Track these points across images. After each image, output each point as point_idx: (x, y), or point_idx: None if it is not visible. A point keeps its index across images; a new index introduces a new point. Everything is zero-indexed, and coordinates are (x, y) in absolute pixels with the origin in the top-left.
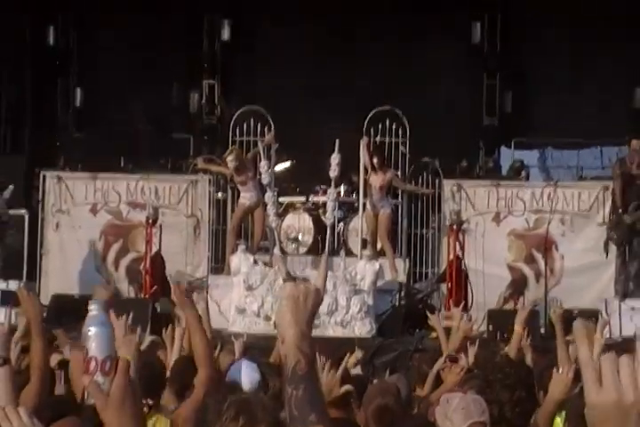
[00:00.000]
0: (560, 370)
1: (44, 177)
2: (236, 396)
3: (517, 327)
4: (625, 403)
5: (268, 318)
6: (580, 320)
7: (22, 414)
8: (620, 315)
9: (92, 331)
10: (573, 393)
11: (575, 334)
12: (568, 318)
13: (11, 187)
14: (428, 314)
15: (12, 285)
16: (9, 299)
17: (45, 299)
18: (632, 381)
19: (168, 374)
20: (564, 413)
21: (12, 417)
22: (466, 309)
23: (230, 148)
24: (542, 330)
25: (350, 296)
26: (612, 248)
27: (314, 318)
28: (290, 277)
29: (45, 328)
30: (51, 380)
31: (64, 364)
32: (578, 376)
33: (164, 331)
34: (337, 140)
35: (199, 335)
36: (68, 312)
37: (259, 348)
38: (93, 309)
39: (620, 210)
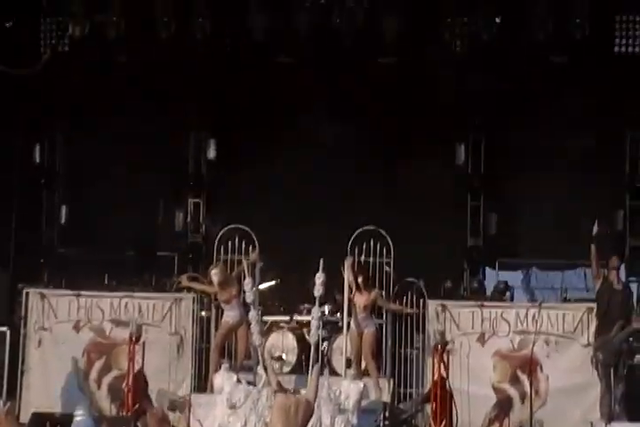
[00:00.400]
0: None
1: (27, 294)
2: None
3: None
4: None
5: None
6: None
7: None
8: None
9: None
10: None
11: None
12: None
13: None
14: None
15: None
16: None
17: (26, 416)
18: None
19: None
20: None
21: None
22: None
23: (215, 262)
24: None
25: (334, 415)
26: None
27: None
28: (281, 389)
29: None
30: None
31: None
32: None
33: None
34: (321, 260)
35: None
36: None
37: None
38: (79, 414)
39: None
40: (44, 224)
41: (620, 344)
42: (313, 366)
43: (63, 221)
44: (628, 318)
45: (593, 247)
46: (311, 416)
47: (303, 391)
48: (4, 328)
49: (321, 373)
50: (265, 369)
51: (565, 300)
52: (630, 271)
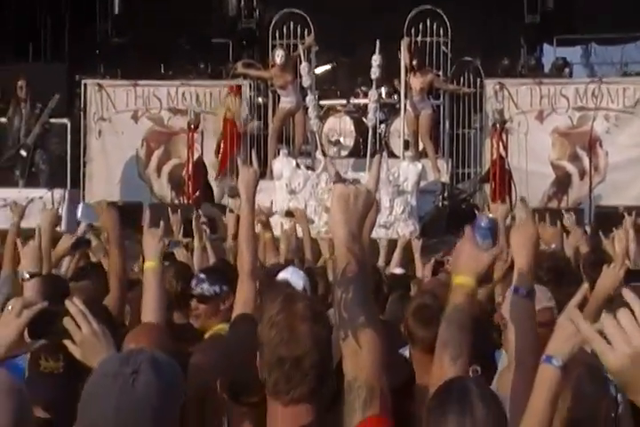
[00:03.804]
0: (611, 265)
1: (85, 85)
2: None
3: (575, 228)
4: (638, 350)
5: (311, 222)
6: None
7: (92, 321)
8: None
9: None
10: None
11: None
12: (614, 215)
13: (56, 96)
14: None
15: (57, 193)
16: (87, 213)
17: None
18: (635, 327)
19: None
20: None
21: (83, 323)
22: (510, 207)
23: (272, 48)
24: (587, 229)
25: (393, 198)
26: None
27: (365, 219)
28: (340, 179)
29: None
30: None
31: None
32: (629, 274)
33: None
34: (377, 42)
35: (248, 233)
36: None
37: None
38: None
39: None
40: (98, 15)
41: None
42: (373, 151)
43: (117, 10)
44: None
45: None
46: (372, 206)
47: (363, 178)
48: (64, 120)
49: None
50: (324, 154)
51: (625, 74)
52: None
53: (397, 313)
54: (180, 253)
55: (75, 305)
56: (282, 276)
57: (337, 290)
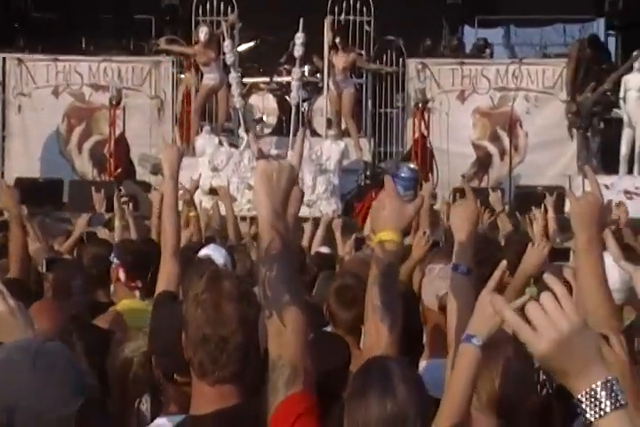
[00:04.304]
0: (535, 245)
1: (4, 60)
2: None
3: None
4: (564, 334)
5: (234, 200)
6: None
7: (7, 297)
8: (583, 191)
9: None
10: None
11: (492, 300)
12: (533, 194)
13: None
14: None
15: None
16: None
17: (9, 182)
18: (559, 311)
19: None
20: (534, 289)
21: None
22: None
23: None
24: (506, 207)
25: (316, 176)
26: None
27: (289, 195)
28: (263, 155)
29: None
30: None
31: None
32: (551, 253)
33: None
34: (301, 20)
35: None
36: (31, 195)
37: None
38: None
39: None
40: None
41: (592, 105)
42: (295, 130)
43: None
44: (600, 79)
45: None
46: (295, 181)
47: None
48: None
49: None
50: (246, 132)
51: (545, 56)
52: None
53: (326, 293)
54: (102, 233)
55: None
56: (204, 253)
57: (261, 268)
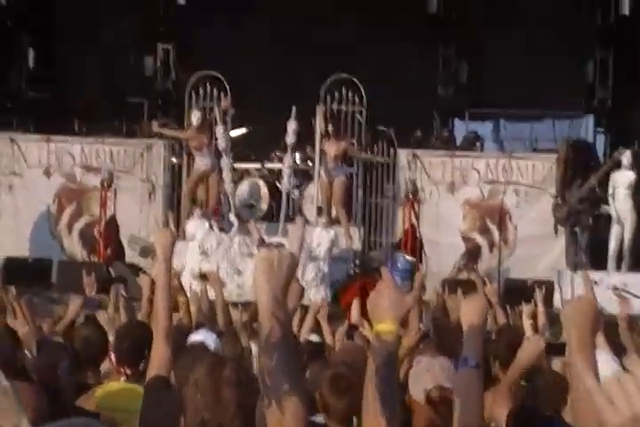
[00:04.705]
0: (532, 337)
1: None
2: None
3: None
4: (637, 416)
5: (223, 285)
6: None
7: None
8: (572, 286)
9: None
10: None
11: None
12: (522, 287)
13: None
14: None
15: None
16: None
17: None
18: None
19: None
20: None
21: None
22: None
23: (188, 109)
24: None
25: (306, 263)
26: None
27: (290, 283)
28: (263, 243)
29: None
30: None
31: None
32: (547, 349)
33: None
34: (293, 108)
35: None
36: (20, 275)
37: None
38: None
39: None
40: (13, 68)
41: (580, 201)
42: (286, 216)
43: (31, 65)
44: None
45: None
46: (295, 269)
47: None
48: None
49: (292, 220)
50: (238, 217)
51: (535, 150)
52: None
53: (318, 382)
54: (102, 318)
55: None
56: (195, 338)
57: (261, 357)
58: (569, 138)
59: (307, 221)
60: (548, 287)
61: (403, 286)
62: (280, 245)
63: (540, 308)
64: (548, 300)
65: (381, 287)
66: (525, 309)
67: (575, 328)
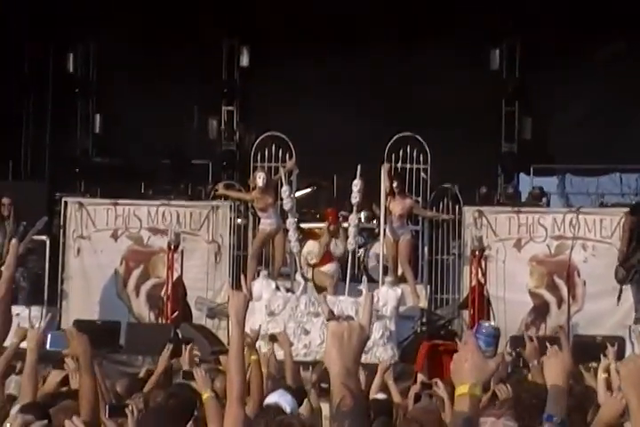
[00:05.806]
0: (613, 394)
1: (66, 203)
2: (282, 416)
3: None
4: None
5: (291, 344)
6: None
7: None
8: (633, 350)
9: None
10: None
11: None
12: (592, 344)
13: (44, 218)
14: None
15: (34, 310)
16: (56, 341)
17: (66, 324)
18: None
19: None
20: None
21: None
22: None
23: (253, 170)
24: None
25: (372, 322)
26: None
27: (360, 354)
28: (333, 316)
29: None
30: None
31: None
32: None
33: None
34: (358, 167)
35: (238, 352)
36: (89, 338)
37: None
38: None
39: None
40: (79, 134)
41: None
42: (352, 276)
43: (97, 130)
44: None
45: None
46: (366, 342)
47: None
48: (43, 237)
49: (358, 280)
50: (304, 277)
51: (602, 205)
52: None
53: None
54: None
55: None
56: (271, 399)
57: (332, 424)
58: (633, 206)
59: (372, 280)
60: (620, 343)
61: (487, 351)
62: (349, 318)
63: (613, 365)
64: (621, 357)
65: (465, 350)
66: (602, 363)
67: (633, 388)
